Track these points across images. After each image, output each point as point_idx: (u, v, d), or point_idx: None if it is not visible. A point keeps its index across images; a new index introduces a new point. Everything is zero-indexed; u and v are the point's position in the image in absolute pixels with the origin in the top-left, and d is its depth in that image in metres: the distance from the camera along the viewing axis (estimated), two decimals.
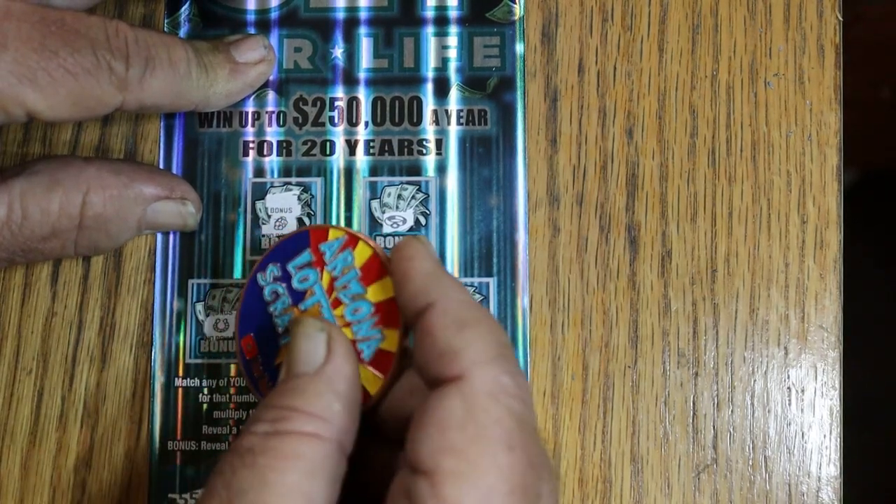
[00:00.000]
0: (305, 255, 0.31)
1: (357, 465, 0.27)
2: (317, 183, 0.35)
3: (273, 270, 0.31)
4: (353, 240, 0.30)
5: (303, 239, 0.31)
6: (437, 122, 0.36)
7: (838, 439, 0.34)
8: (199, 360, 0.34)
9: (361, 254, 0.30)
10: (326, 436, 0.25)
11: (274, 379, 0.30)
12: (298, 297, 0.31)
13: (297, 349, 0.27)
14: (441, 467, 0.24)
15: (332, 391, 0.26)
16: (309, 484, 0.24)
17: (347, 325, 0.29)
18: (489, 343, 0.26)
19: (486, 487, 0.23)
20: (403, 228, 0.35)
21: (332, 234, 0.30)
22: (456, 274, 0.35)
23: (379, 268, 0.29)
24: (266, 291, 0.31)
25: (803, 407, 0.34)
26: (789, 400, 0.34)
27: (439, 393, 0.25)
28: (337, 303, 0.30)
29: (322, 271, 0.30)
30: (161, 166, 0.35)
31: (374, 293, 0.29)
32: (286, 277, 0.31)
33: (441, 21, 0.36)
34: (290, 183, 0.35)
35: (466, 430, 0.24)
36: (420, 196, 0.35)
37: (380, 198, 0.35)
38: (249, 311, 0.32)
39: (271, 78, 0.36)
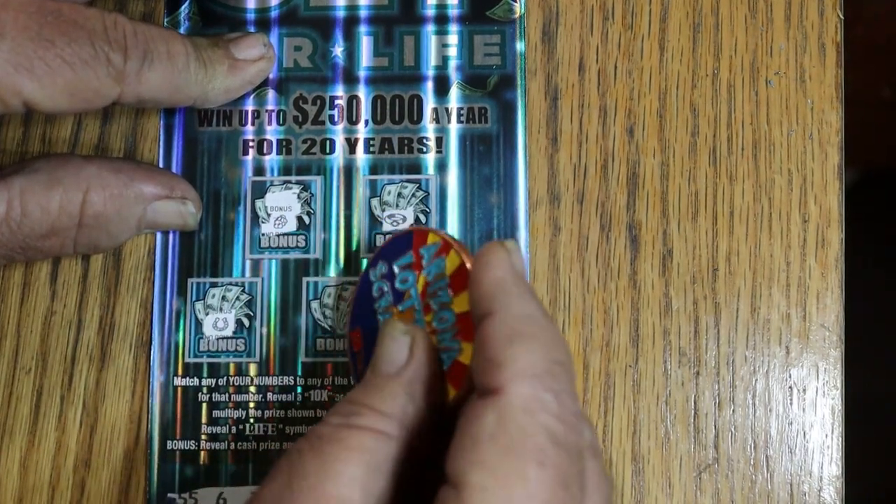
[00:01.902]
0: (408, 257, 0.31)
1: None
2: (317, 181, 0.35)
3: (382, 267, 0.31)
4: (446, 246, 0.30)
5: (407, 239, 0.31)
6: (437, 120, 0.35)
7: (840, 438, 0.34)
8: (198, 360, 0.34)
9: (452, 262, 0.29)
10: (395, 435, 0.26)
11: None
12: (398, 297, 0.31)
13: (382, 349, 0.28)
14: (468, 480, 0.23)
15: (406, 393, 0.27)
16: (370, 479, 0.25)
17: (434, 332, 0.29)
18: (537, 358, 0.25)
19: (509, 501, 0.23)
20: (403, 227, 0.35)
21: (430, 238, 0.30)
22: None
23: (466, 278, 0.29)
24: (374, 287, 0.32)
25: (805, 406, 0.34)
26: (791, 399, 0.34)
27: (477, 405, 0.25)
28: (428, 309, 0.30)
29: (419, 275, 0.30)
30: (161, 165, 0.35)
31: (458, 303, 0.29)
32: (391, 276, 0.31)
33: (441, 19, 0.36)
34: (289, 181, 0.35)
35: (497, 444, 0.24)
36: (420, 194, 0.35)
37: (380, 196, 0.35)
38: (360, 304, 0.32)
39: (271, 76, 0.36)
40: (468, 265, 0.29)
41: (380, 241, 0.35)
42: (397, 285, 0.31)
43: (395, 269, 0.31)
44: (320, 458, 0.25)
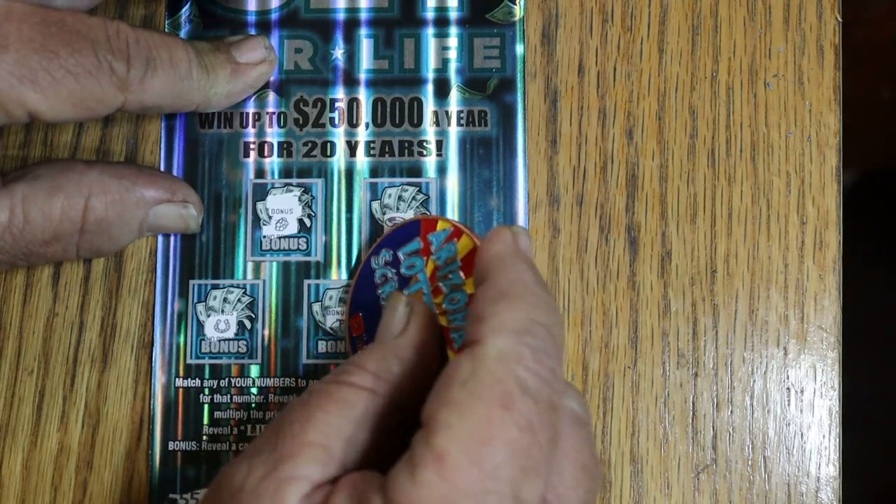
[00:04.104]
0: (415, 243, 0.32)
1: None
2: (317, 184, 0.35)
3: (385, 255, 0.33)
4: (457, 231, 0.31)
5: (414, 227, 0.32)
6: (437, 123, 0.36)
7: (837, 439, 0.34)
8: (199, 361, 0.35)
9: (464, 246, 0.31)
10: (379, 392, 0.27)
11: None
12: (404, 282, 0.32)
13: (384, 320, 0.29)
14: (436, 418, 0.24)
15: (396, 356, 0.28)
16: (352, 430, 0.26)
17: (444, 313, 0.30)
18: (519, 316, 0.26)
19: (472, 439, 0.23)
20: None
21: (440, 224, 0.32)
22: None
23: None
24: (377, 275, 0.33)
25: (802, 407, 0.34)
26: (788, 400, 0.34)
27: (457, 356, 0.26)
28: (437, 291, 0.31)
29: (427, 260, 0.31)
30: (162, 167, 0.36)
31: (471, 285, 0.30)
32: (396, 263, 0.32)
33: (441, 22, 0.36)
34: (290, 184, 0.35)
35: (466, 388, 0.24)
36: (420, 197, 0.35)
37: (380, 199, 0.35)
38: (361, 291, 0.33)
39: (272, 79, 0.36)
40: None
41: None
42: (403, 271, 0.32)
43: (401, 256, 0.32)
44: (306, 408, 0.26)
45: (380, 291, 0.32)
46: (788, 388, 0.34)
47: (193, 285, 0.35)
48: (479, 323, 0.26)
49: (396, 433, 0.27)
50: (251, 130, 0.36)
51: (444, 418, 0.24)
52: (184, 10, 0.36)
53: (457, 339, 0.30)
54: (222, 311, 0.35)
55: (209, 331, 0.35)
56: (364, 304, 0.33)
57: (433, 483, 0.23)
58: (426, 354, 0.29)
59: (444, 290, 0.31)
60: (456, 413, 0.24)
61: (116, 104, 0.30)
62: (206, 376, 0.34)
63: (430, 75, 0.36)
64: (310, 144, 0.36)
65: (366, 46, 0.36)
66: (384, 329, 0.29)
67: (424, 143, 0.36)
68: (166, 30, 0.36)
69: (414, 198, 0.35)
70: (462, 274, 0.30)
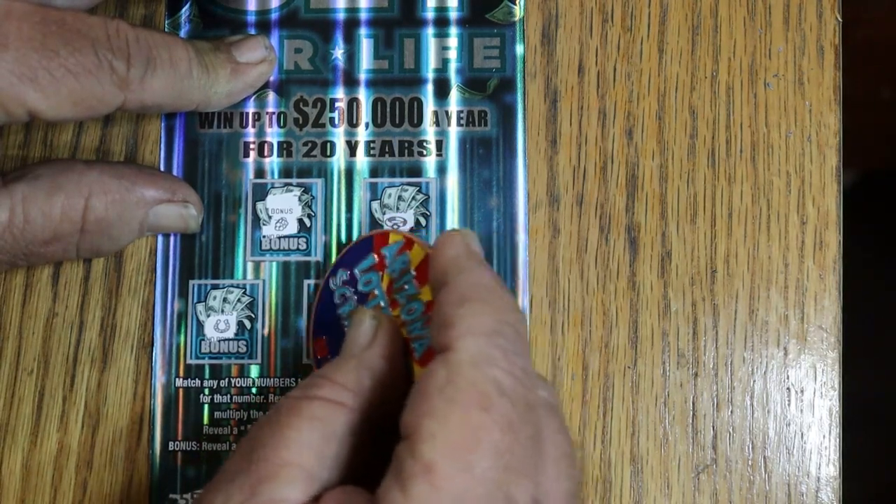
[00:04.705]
0: (370, 259, 0.32)
1: None
2: (317, 184, 0.35)
3: (342, 275, 0.32)
4: (409, 242, 0.31)
5: (368, 243, 0.32)
6: (437, 123, 0.36)
7: (838, 440, 0.34)
8: (199, 361, 0.34)
9: (416, 255, 0.31)
10: (350, 405, 0.27)
11: None
12: (363, 298, 0.32)
13: (350, 335, 0.29)
14: (419, 429, 0.24)
15: (366, 368, 0.28)
16: (324, 445, 0.26)
17: (403, 324, 0.30)
18: (486, 319, 0.26)
19: (457, 447, 0.24)
20: (404, 229, 0.35)
21: (392, 237, 0.32)
22: None
23: None
24: (336, 295, 0.32)
25: (803, 407, 0.34)
26: (789, 400, 0.34)
27: (430, 365, 0.26)
28: (395, 304, 0.31)
29: (383, 274, 0.31)
30: (162, 167, 0.36)
31: (426, 293, 0.30)
32: (353, 281, 0.32)
33: (441, 22, 0.36)
34: (290, 184, 0.35)
35: (444, 395, 0.24)
36: (420, 197, 0.35)
37: (380, 199, 0.35)
38: (322, 313, 0.33)
39: (272, 79, 0.36)
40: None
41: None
42: (360, 288, 0.32)
43: (357, 274, 0.32)
44: (276, 428, 0.26)
45: (340, 311, 0.32)
46: (789, 388, 0.34)
47: (193, 285, 0.35)
48: (446, 329, 0.26)
49: (369, 446, 0.27)
50: (251, 130, 0.36)
51: (427, 428, 0.24)
52: (184, 9, 0.36)
53: (417, 348, 0.29)
54: (222, 311, 0.35)
55: (209, 331, 0.35)
56: (326, 325, 0.33)
57: (425, 494, 0.23)
58: (395, 366, 0.29)
59: (400, 302, 0.31)
60: (437, 422, 0.24)
61: (116, 103, 0.30)
62: (206, 376, 0.34)
63: (430, 75, 0.36)
64: (310, 144, 0.36)
65: (366, 46, 0.36)
66: (351, 343, 0.29)
67: (424, 143, 0.36)
68: (166, 30, 0.36)
69: (414, 198, 0.35)
70: (417, 283, 0.30)
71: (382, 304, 0.31)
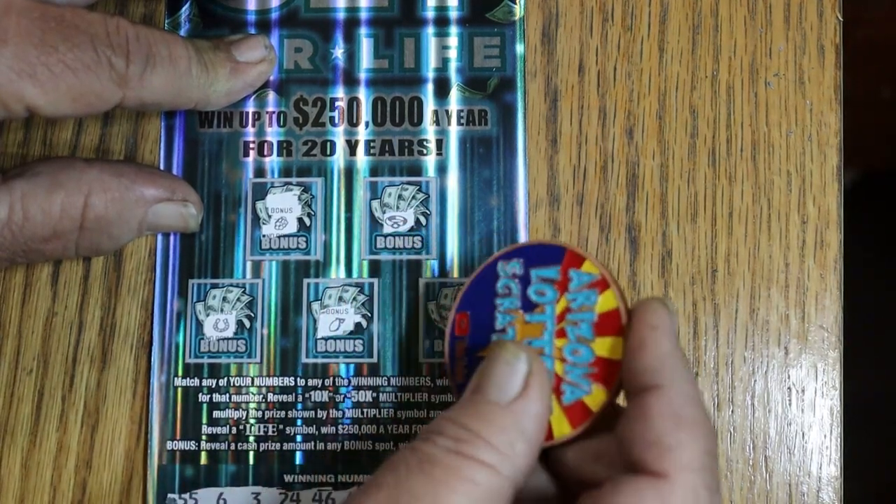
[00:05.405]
0: (552, 271, 0.29)
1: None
2: (317, 183, 0.35)
3: (515, 266, 0.30)
4: (603, 283, 0.28)
5: (557, 253, 0.29)
6: (437, 122, 0.36)
7: (839, 439, 0.34)
8: (199, 360, 0.34)
9: (606, 302, 0.28)
10: (503, 472, 0.25)
11: (471, 367, 0.29)
12: (529, 306, 0.29)
13: (495, 373, 0.27)
14: None
15: (518, 429, 0.26)
16: None
17: (563, 360, 0.28)
18: (700, 450, 0.25)
19: None
20: (404, 228, 0.35)
21: (586, 266, 0.29)
22: (455, 275, 0.35)
23: (617, 326, 0.28)
24: (500, 283, 0.30)
25: (804, 407, 0.34)
26: (789, 400, 0.34)
27: (638, 484, 0.25)
28: (562, 334, 0.29)
29: (561, 296, 0.29)
30: (161, 166, 0.36)
31: (601, 346, 0.28)
32: (525, 280, 0.30)
33: (441, 21, 0.36)
34: (290, 183, 0.35)
35: None
36: (420, 196, 0.35)
37: (380, 198, 0.35)
38: (477, 290, 0.31)
39: (272, 78, 0.36)
40: (623, 316, 0.28)
41: (388, 242, 0.35)
42: (530, 294, 0.30)
43: (533, 276, 0.30)
44: (430, 481, 0.25)
45: (498, 301, 0.30)
46: (789, 388, 0.34)
47: (193, 284, 0.35)
48: (664, 452, 0.25)
49: None
50: (251, 130, 0.36)
51: None
52: (184, 8, 0.36)
53: (567, 392, 0.28)
54: (221, 311, 0.35)
55: (208, 330, 0.35)
56: (476, 305, 0.31)
57: None
58: (542, 427, 0.27)
59: (569, 337, 0.28)
60: None
61: (115, 100, 0.30)
62: (205, 376, 0.34)
63: (431, 74, 0.36)
64: (309, 143, 0.36)
65: (366, 46, 0.36)
66: (495, 385, 0.27)
67: (424, 143, 0.35)
68: (166, 28, 0.36)
69: (414, 197, 0.35)
70: (594, 331, 0.28)
71: (548, 326, 0.29)
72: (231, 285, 0.35)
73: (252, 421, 0.34)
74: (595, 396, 0.28)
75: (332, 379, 0.34)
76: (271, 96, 0.36)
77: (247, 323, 0.35)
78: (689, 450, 0.25)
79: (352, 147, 0.36)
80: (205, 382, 0.34)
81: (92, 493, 0.34)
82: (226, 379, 0.34)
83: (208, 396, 0.34)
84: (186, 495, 0.34)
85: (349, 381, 0.34)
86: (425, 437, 0.26)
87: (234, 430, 0.34)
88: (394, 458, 0.26)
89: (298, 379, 0.34)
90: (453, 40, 0.36)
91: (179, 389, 0.34)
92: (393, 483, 0.25)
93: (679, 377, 0.26)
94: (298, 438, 0.34)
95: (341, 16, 0.36)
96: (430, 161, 0.35)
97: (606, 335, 0.28)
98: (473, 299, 0.31)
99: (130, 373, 0.35)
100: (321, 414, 0.34)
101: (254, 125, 0.36)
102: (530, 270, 0.30)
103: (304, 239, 0.35)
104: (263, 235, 0.35)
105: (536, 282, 0.29)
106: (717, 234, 0.35)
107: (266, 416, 0.34)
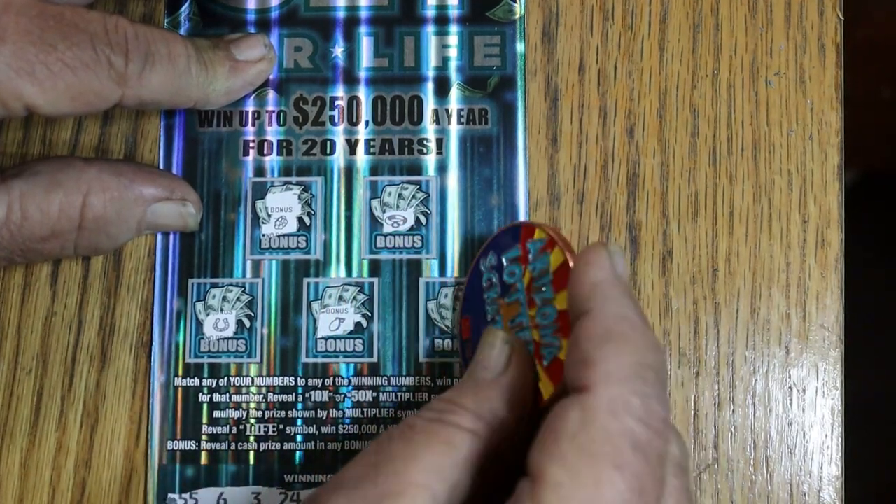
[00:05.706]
0: (515, 250, 0.31)
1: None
2: (317, 182, 0.35)
3: (492, 258, 0.32)
4: (551, 242, 0.30)
5: (515, 232, 0.31)
6: (437, 121, 0.36)
7: (840, 439, 0.34)
8: (198, 360, 0.34)
9: (556, 258, 0.29)
10: (482, 435, 0.26)
11: None
12: (506, 289, 0.31)
13: (482, 355, 0.29)
14: (544, 474, 0.23)
15: (502, 398, 0.27)
16: (453, 472, 0.25)
17: (536, 326, 0.30)
18: (627, 361, 0.25)
19: (580, 500, 0.23)
20: (404, 228, 0.35)
21: (537, 233, 0.30)
22: (456, 273, 0.35)
23: (568, 275, 0.28)
24: (484, 278, 0.32)
25: (804, 406, 0.34)
26: (790, 399, 0.34)
27: (564, 402, 0.25)
28: (532, 303, 0.30)
29: (525, 269, 0.31)
30: (161, 166, 0.35)
31: (560, 300, 0.29)
32: (500, 268, 0.31)
33: (441, 20, 0.36)
34: (290, 182, 0.35)
35: (576, 442, 0.24)
36: (421, 195, 0.35)
37: (380, 197, 0.35)
38: (471, 293, 0.33)
39: (271, 77, 0.36)
40: (571, 263, 0.29)
41: (388, 241, 0.35)
42: (505, 277, 0.31)
43: (504, 261, 0.31)
44: (409, 446, 0.26)
45: (486, 296, 0.32)
46: (790, 388, 0.34)
47: (192, 284, 0.35)
48: (585, 367, 0.25)
49: (491, 477, 0.27)
50: (251, 129, 0.36)
51: (554, 476, 0.23)
52: (183, 8, 0.36)
53: (546, 354, 0.29)
54: (221, 310, 0.35)
55: (208, 330, 0.35)
56: (473, 306, 0.33)
57: None
58: (526, 397, 0.28)
59: (537, 303, 0.30)
60: (566, 471, 0.23)
61: (114, 99, 0.30)
62: (205, 375, 0.34)
63: (431, 73, 0.36)
64: (309, 143, 0.36)
65: (366, 44, 0.36)
66: (481, 366, 0.28)
67: (424, 142, 0.35)
68: (166, 27, 0.36)
69: (414, 196, 0.35)
70: (553, 288, 0.29)
71: (521, 300, 0.30)
72: (231, 285, 0.35)
73: (252, 421, 0.34)
74: (565, 349, 0.28)
75: (332, 378, 0.34)
76: (271, 95, 0.36)
77: (247, 322, 0.34)
78: (613, 362, 0.25)
79: (352, 146, 0.35)
80: (205, 382, 0.34)
81: (91, 493, 0.34)
82: (226, 379, 0.34)
83: (208, 396, 0.34)
84: (186, 495, 0.34)
85: (349, 381, 0.34)
86: (416, 414, 0.27)
87: (234, 430, 0.34)
88: (382, 433, 0.27)
89: (298, 379, 0.34)
90: (453, 39, 0.36)
91: (179, 389, 0.34)
92: (375, 451, 0.26)
93: (611, 301, 0.26)
94: (299, 438, 0.34)
95: (341, 14, 0.36)
96: (430, 160, 0.35)
97: (562, 289, 0.29)
98: (470, 302, 0.33)
99: (130, 373, 0.34)
100: (321, 414, 0.34)
101: (253, 124, 0.36)
102: (501, 257, 0.31)
103: (304, 238, 0.35)
104: (263, 235, 0.35)
105: (507, 265, 0.31)
106: (717, 233, 0.35)
107: (266, 416, 0.34)
